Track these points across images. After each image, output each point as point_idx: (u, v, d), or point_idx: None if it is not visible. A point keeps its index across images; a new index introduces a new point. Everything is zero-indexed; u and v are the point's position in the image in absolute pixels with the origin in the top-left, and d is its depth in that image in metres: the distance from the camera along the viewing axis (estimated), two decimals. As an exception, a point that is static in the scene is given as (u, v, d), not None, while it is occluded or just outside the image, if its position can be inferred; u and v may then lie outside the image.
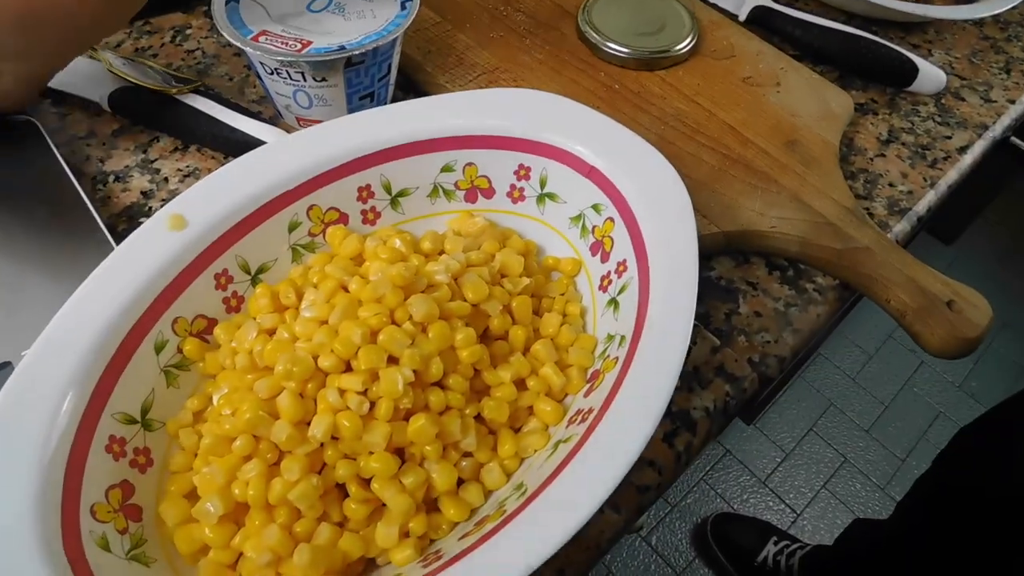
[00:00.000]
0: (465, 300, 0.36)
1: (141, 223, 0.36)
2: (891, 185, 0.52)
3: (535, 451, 0.35)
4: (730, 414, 0.41)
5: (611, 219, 0.40)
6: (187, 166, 0.49)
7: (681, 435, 0.39)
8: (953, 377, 1.72)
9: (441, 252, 0.40)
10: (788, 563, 1.22)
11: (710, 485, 1.50)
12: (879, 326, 1.76)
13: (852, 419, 1.66)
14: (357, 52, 0.45)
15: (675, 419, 0.40)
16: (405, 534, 0.32)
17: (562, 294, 0.41)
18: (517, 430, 0.36)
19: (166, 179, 0.48)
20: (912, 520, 0.93)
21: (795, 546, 1.26)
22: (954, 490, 0.85)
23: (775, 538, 1.29)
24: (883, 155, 0.54)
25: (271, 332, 0.36)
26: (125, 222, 0.46)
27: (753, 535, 1.31)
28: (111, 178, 0.48)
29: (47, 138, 0.47)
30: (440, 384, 0.34)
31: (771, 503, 1.51)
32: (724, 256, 0.48)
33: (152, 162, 0.49)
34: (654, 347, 0.32)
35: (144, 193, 0.48)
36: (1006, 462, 0.77)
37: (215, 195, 0.37)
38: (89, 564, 0.28)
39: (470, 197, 0.44)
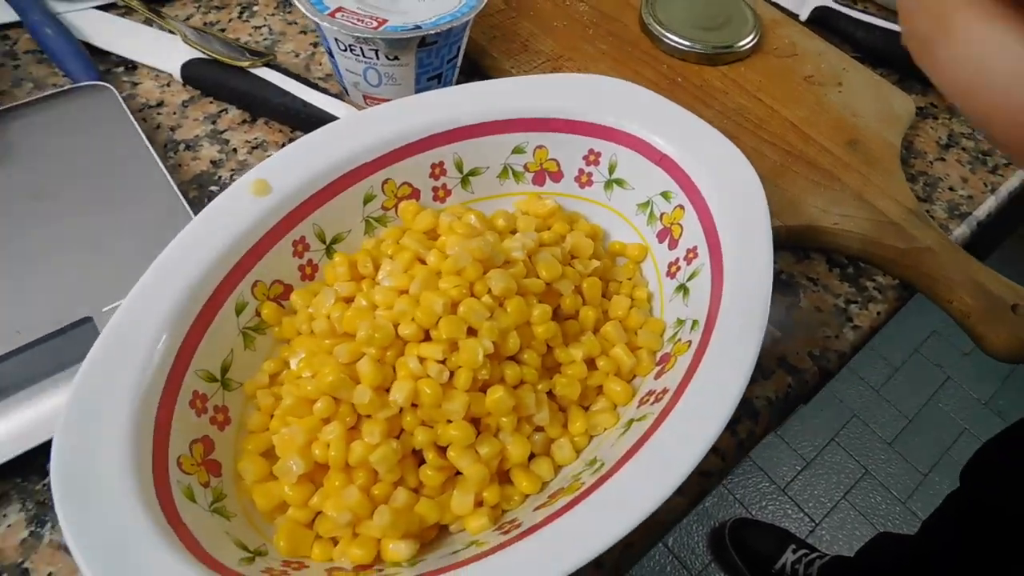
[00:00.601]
0: (539, 278, 0.37)
1: (212, 191, 0.36)
2: (951, 189, 0.52)
3: (604, 429, 0.35)
4: (791, 405, 0.41)
5: (681, 206, 0.40)
6: (255, 138, 0.50)
7: (743, 423, 0.39)
8: (980, 395, 1.71)
9: (513, 231, 0.40)
10: (807, 572, 1.21)
11: (729, 490, 1.50)
12: (907, 339, 1.75)
13: (875, 431, 1.64)
14: (431, 32, 0.45)
15: (738, 408, 0.40)
16: (479, 503, 0.32)
17: (629, 279, 0.41)
18: (585, 409, 0.36)
19: (235, 150, 0.49)
20: (940, 537, 0.92)
21: (813, 555, 1.26)
22: (982, 508, 0.84)
23: (793, 546, 1.29)
24: (943, 159, 0.54)
25: (348, 300, 0.36)
26: (196, 189, 0.47)
27: (771, 542, 1.31)
28: (181, 147, 0.49)
29: (122, 103, 0.48)
30: (515, 359, 0.35)
31: (790, 511, 1.50)
32: (784, 251, 0.48)
33: (221, 133, 0.50)
34: (730, 333, 0.33)
35: (213, 162, 0.48)
36: None
37: (296, 164, 0.38)
38: (179, 511, 0.28)
39: (538, 180, 0.44)
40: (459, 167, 0.42)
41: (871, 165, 0.50)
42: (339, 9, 0.46)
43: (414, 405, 0.32)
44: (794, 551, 1.27)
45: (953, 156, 0.54)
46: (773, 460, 1.54)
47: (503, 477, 0.34)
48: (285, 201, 0.37)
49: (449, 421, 0.32)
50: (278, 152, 0.38)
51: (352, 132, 0.40)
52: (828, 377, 0.43)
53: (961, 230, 0.50)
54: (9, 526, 0.34)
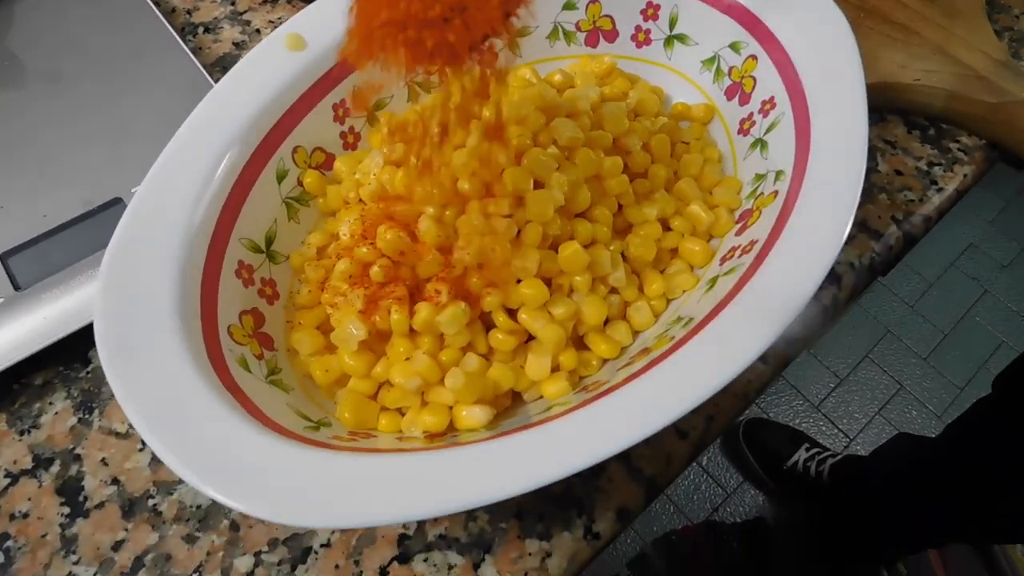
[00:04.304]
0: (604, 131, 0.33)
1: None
2: (1039, 44, 0.48)
3: (684, 292, 0.32)
4: (875, 271, 0.38)
5: (753, 56, 0.36)
6: (279, 18, 0.46)
7: (826, 289, 0.36)
8: (1018, 306, 1.67)
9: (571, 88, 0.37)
10: (818, 469, 1.20)
11: (762, 409, 1.48)
12: (941, 253, 1.70)
13: (909, 346, 1.61)
14: None
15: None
16: (554, 369, 0.30)
17: (697, 139, 0.38)
18: (661, 272, 0.33)
19: (258, 31, 0.46)
20: (963, 441, 0.90)
21: (826, 454, 1.24)
22: (1012, 415, 0.81)
23: (807, 444, 1.27)
24: (1029, 13, 0.49)
25: (397, 164, 0.33)
26: (219, 72, 0.43)
27: (785, 439, 1.29)
28: (200, 29, 0.46)
29: (134, -17, 0.44)
30: (585, 216, 0.31)
31: (824, 428, 1.49)
32: (858, 115, 0.44)
33: (242, 14, 0.46)
34: (826, 174, 0.29)
35: (236, 44, 0.45)
36: None
37: (332, 18, 0.34)
38: (233, 376, 0.26)
39: (591, 40, 0.40)
40: (506, 26, 0.38)
41: (952, 17, 0.45)
42: None
43: (480, 266, 0.30)
44: (807, 449, 1.25)
45: (1040, 9, 0.49)
46: (807, 378, 1.52)
47: (579, 344, 0.31)
48: (322, 58, 0.33)
49: (519, 281, 0.29)
50: (311, 4, 0.34)
51: (389, -14, 0.36)
52: (912, 243, 0.40)
53: (1051, 87, 0.45)
54: (56, 413, 0.32)
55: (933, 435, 1.51)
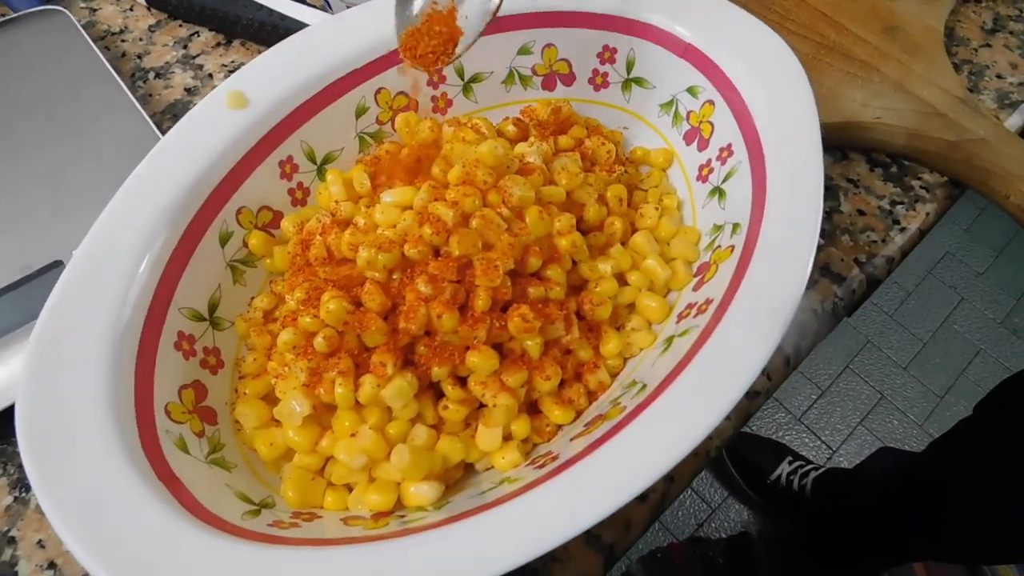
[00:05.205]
0: (558, 186, 0.33)
1: (194, 109, 0.32)
2: (999, 77, 0.47)
3: (641, 350, 0.31)
4: (838, 316, 0.38)
5: (710, 102, 0.36)
6: (232, 61, 0.45)
7: (789, 337, 0.36)
8: (995, 314, 1.68)
9: (525, 139, 0.36)
10: (801, 483, 1.20)
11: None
12: (919, 262, 1.71)
13: (889, 356, 1.62)
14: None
15: (781, 321, 0.36)
16: (507, 438, 0.29)
17: (655, 187, 0.37)
18: (618, 330, 0.32)
19: (210, 75, 0.44)
20: (946, 457, 0.90)
21: (809, 467, 1.24)
22: (995, 436, 0.81)
23: (790, 458, 1.27)
24: (988, 45, 0.49)
25: (345, 224, 0.32)
26: (170, 119, 0.42)
27: (768, 453, 1.29)
28: (151, 75, 0.44)
29: (80, 30, 0.43)
30: (537, 276, 0.31)
31: (807, 440, 1.49)
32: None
33: (194, 58, 0.45)
34: (779, 231, 0.29)
35: (188, 90, 0.44)
36: None
37: (276, 73, 0.33)
38: (169, 464, 0.25)
39: (548, 84, 0.39)
40: (460, 73, 0.38)
41: (912, 53, 0.45)
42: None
43: (427, 333, 0.29)
44: (790, 462, 1.25)
45: (1000, 41, 0.49)
46: (788, 390, 1.52)
47: (531, 409, 0.30)
48: (267, 114, 0.32)
49: (468, 348, 0.28)
50: (254, 59, 0.33)
51: (336, 37, 0.35)
52: (875, 285, 0.39)
53: (1013, 120, 0.45)
54: (-11, 492, 0.31)
55: (915, 445, 1.52)
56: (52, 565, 0.29)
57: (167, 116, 0.42)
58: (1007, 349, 1.65)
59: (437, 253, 0.29)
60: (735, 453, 1.36)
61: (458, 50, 0.32)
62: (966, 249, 1.79)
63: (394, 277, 0.29)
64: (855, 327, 1.67)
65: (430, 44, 0.31)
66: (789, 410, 1.56)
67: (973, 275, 1.80)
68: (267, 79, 0.33)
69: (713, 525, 1.41)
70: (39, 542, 0.29)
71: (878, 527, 1.00)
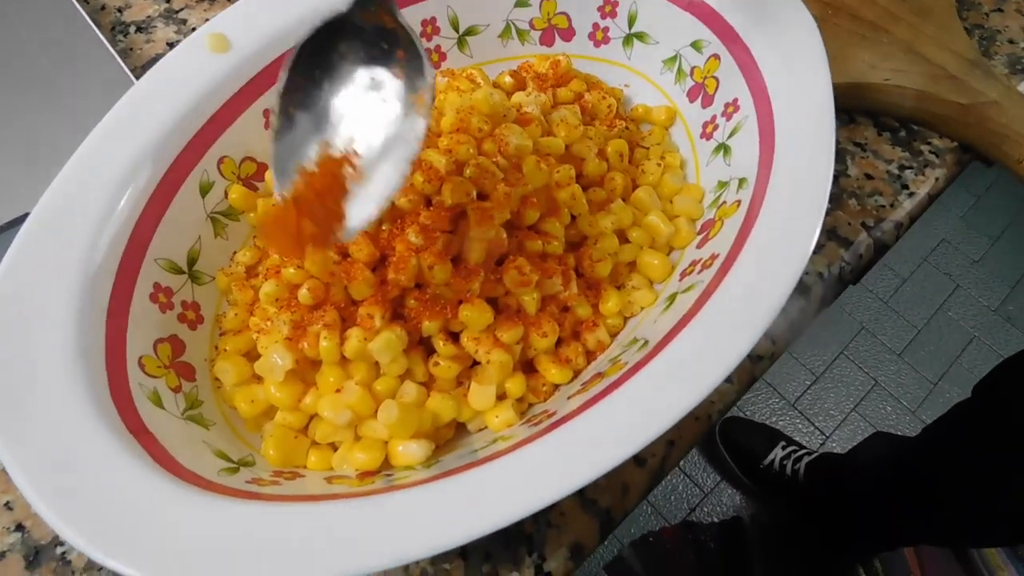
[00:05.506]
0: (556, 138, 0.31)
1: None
2: (1011, 42, 0.46)
3: (642, 309, 0.30)
4: (844, 281, 0.36)
5: (716, 56, 0.34)
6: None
7: (794, 300, 0.35)
8: (989, 302, 1.68)
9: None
10: (795, 468, 1.20)
11: (739, 408, 1.48)
12: (914, 249, 1.70)
13: (884, 343, 1.62)
14: None
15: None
16: (500, 397, 0.27)
17: (657, 144, 0.35)
18: (618, 289, 0.31)
19: (194, 30, 0.42)
20: (941, 442, 0.89)
21: (802, 452, 1.24)
22: (991, 419, 0.80)
23: (783, 443, 1.27)
24: (1000, 10, 0.48)
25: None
26: (150, 73, 0.40)
27: (761, 438, 1.29)
28: (132, 29, 0.43)
29: (57, -21, 0.41)
30: (535, 229, 0.29)
31: (800, 425, 1.48)
32: (827, 116, 0.42)
33: (177, 12, 0.43)
34: (790, 183, 0.27)
35: (171, 44, 0.42)
36: None
37: (259, 17, 0.32)
38: (141, 416, 0.24)
39: (546, 39, 0.38)
40: (454, 24, 0.36)
41: (922, 15, 0.43)
42: None
43: (418, 286, 0.27)
44: (783, 447, 1.25)
45: (1012, 6, 0.48)
46: (782, 376, 1.51)
47: (527, 368, 0.29)
48: (250, 59, 0.31)
49: (460, 302, 0.27)
50: (237, 2, 0.32)
51: (325, -18, 0.33)
52: (884, 250, 0.38)
53: (1024, 86, 0.44)
54: (-46, 452, 0.29)
55: (908, 431, 1.52)
56: (20, 527, 0.27)
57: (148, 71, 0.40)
58: (1001, 337, 1.65)
59: (429, 202, 0.28)
60: (728, 437, 1.36)
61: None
62: (962, 236, 1.78)
63: (383, 228, 0.28)
64: (850, 313, 1.67)
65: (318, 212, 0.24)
66: (783, 395, 1.56)
67: (968, 262, 1.79)
68: (251, 23, 0.31)
69: (706, 509, 1.41)
70: (6, 504, 0.28)
71: (870, 512, 1.00)
